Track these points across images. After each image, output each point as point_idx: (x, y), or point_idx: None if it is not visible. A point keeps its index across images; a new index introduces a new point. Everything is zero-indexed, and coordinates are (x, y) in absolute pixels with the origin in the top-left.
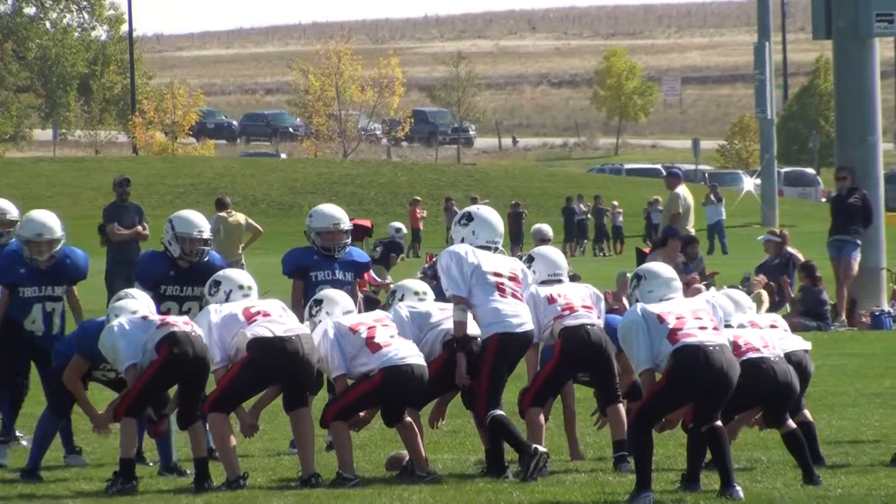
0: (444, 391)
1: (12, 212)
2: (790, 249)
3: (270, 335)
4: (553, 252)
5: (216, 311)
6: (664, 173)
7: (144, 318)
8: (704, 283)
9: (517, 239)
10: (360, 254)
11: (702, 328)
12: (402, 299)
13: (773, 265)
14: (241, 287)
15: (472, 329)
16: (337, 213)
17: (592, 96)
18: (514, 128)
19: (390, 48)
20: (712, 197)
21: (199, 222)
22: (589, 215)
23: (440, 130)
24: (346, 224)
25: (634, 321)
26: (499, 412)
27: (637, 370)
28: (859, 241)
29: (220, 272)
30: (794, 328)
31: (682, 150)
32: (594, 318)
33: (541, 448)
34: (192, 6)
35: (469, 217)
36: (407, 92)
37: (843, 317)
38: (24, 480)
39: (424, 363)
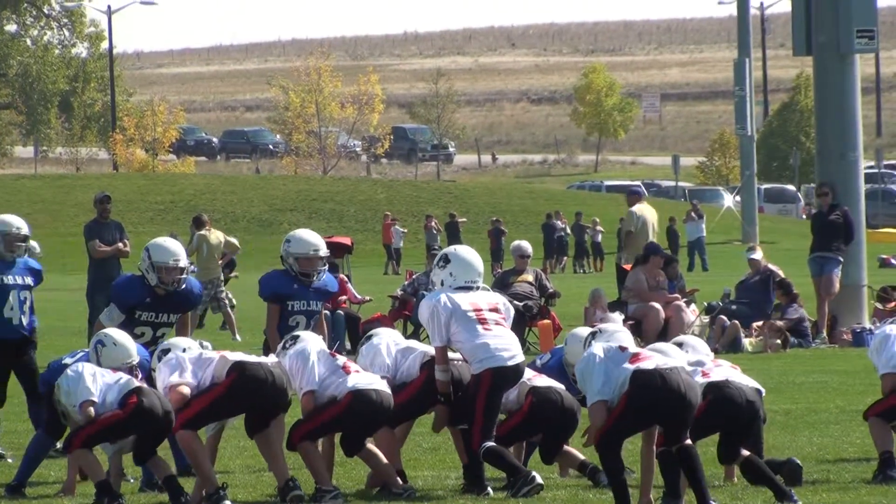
0: (419, 413)
1: (24, 227)
2: (770, 266)
3: (255, 360)
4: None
5: (183, 356)
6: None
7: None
8: (685, 300)
9: (497, 256)
10: (332, 283)
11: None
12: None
13: (752, 282)
14: (189, 349)
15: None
16: (315, 240)
17: (572, 113)
18: (493, 144)
19: (370, 65)
20: (693, 214)
21: (176, 250)
22: (568, 230)
23: (420, 147)
24: (324, 251)
25: (593, 353)
26: (491, 443)
27: (590, 401)
28: (841, 258)
29: (166, 342)
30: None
31: (661, 167)
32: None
33: (538, 478)
34: (172, 23)
35: (446, 259)
36: (386, 109)
37: (825, 334)
38: (9, 496)
39: (390, 392)
